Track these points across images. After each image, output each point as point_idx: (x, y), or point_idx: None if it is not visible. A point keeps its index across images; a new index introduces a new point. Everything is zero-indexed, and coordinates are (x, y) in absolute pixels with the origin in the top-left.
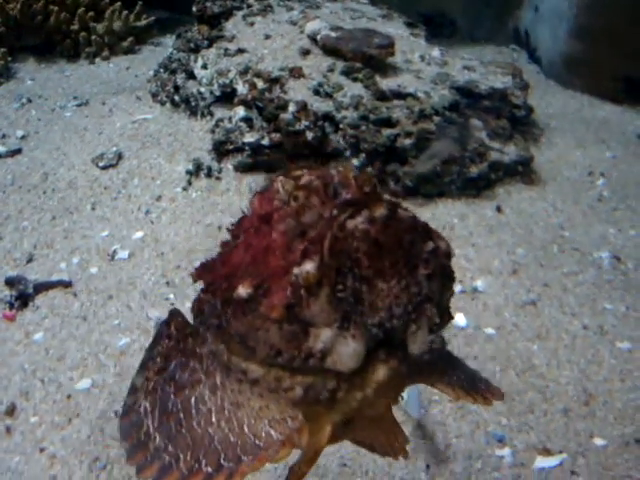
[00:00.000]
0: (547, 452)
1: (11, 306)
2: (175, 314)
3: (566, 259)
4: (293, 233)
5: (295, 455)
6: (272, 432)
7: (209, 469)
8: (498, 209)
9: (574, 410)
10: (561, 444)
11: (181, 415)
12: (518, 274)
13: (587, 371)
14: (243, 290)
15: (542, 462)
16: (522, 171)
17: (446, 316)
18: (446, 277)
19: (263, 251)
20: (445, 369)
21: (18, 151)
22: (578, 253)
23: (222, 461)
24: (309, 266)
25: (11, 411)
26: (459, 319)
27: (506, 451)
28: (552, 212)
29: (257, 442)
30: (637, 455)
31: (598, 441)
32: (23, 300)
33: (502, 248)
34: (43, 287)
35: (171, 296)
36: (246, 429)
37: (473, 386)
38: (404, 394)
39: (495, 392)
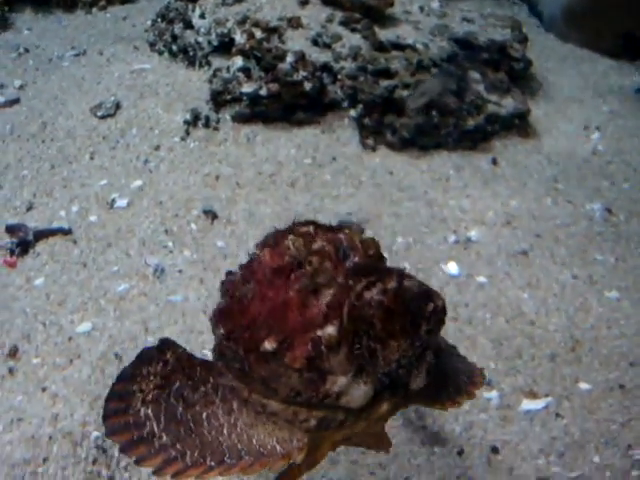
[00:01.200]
0: (533, 395)
1: (12, 253)
2: (168, 343)
3: (559, 211)
4: (307, 291)
5: None
6: (277, 447)
7: (212, 463)
8: (494, 161)
9: (561, 356)
10: (547, 388)
11: (191, 424)
12: (511, 225)
13: (575, 319)
14: (269, 345)
15: (528, 405)
16: (518, 124)
17: (439, 352)
18: (440, 323)
19: (281, 306)
20: (434, 391)
21: (16, 101)
22: (571, 205)
23: (225, 459)
24: (331, 329)
25: (14, 353)
26: (452, 267)
27: (494, 394)
28: (547, 165)
29: (261, 450)
30: (620, 400)
31: (583, 386)
32: (24, 247)
33: (496, 200)
34: (43, 234)
35: (169, 244)
36: (254, 442)
37: (457, 389)
38: None
39: (477, 380)
